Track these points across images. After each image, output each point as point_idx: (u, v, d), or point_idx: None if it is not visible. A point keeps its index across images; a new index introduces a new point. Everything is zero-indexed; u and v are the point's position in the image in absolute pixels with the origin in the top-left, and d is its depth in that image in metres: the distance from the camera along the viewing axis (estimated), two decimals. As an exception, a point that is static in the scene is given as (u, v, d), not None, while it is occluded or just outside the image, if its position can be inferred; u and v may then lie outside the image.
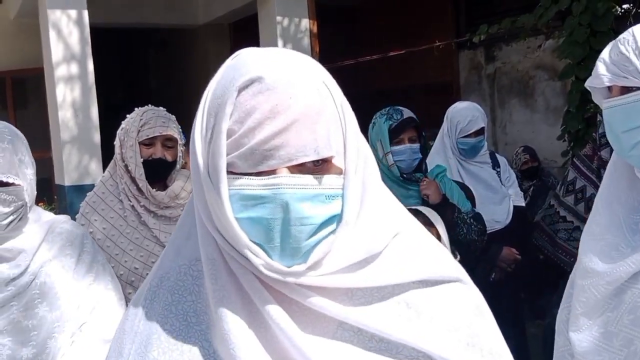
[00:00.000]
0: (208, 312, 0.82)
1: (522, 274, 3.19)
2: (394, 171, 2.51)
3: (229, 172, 0.75)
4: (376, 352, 0.80)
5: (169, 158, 2.24)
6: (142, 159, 2.19)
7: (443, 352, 0.80)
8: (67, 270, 1.54)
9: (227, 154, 0.75)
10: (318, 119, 0.76)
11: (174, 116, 2.34)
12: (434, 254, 0.87)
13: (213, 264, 0.81)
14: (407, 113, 2.58)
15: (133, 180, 2.22)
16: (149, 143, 2.21)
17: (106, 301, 1.58)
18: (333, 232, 0.78)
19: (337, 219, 0.78)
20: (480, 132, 3.14)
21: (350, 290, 0.81)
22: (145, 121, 2.22)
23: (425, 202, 2.51)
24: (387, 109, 2.61)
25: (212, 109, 0.78)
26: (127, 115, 2.31)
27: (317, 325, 0.79)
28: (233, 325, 0.77)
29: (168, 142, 2.24)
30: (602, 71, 1.15)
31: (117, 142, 2.27)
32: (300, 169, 0.76)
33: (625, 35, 1.14)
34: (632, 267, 1.08)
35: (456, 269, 0.87)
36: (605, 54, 1.17)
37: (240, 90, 0.76)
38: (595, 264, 1.13)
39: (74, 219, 2.30)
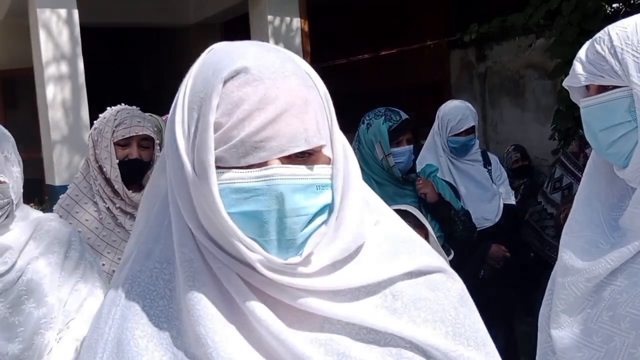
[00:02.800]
0: (180, 316, 0.80)
1: (512, 272, 3.21)
2: (395, 172, 2.52)
3: (217, 167, 0.73)
4: (365, 342, 0.80)
5: (145, 158, 2.20)
6: (117, 160, 2.14)
7: (431, 341, 0.80)
8: (54, 267, 1.54)
9: (215, 148, 0.73)
10: (306, 109, 0.75)
11: (148, 114, 2.29)
12: (415, 244, 0.88)
13: (190, 265, 0.79)
14: (403, 114, 2.60)
15: (108, 181, 2.16)
16: (124, 143, 2.15)
17: (93, 298, 1.58)
18: (325, 222, 0.78)
19: (327, 208, 0.79)
20: (470, 130, 3.16)
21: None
22: (120, 121, 2.15)
23: (421, 202, 2.53)
24: (383, 109, 2.61)
25: (194, 103, 0.76)
26: (100, 115, 2.24)
27: (303, 321, 0.79)
28: (210, 328, 0.75)
29: (144, 141, 2.19)
30: (579, 70, 1.16)
31: (89, 143, 2.20)
32: (290, 159, 0.75)
33: (601, 34, 1.14)
34: (610, 264, 1.09)
35: (438, 259, 0.88)
36: (582, 53, 1.17)
37: (225, 82, 0.74)
38: (575, 261, 1.14)
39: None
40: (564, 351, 1.12)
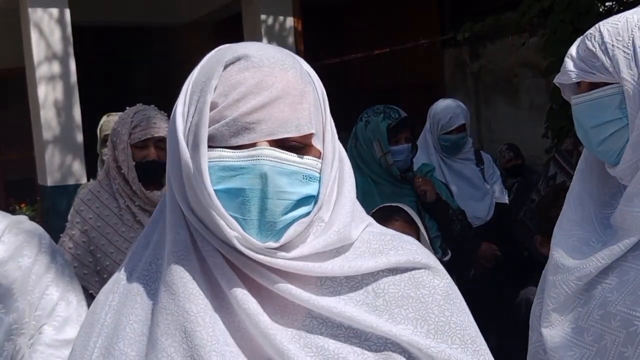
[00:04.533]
0: (167, 296, 0.81)
1: (505, 270, 3.21)
2: (393, 171, 2.51)
3: (209, 146, 0.77)
4: (344, 339, 0.80)
5: (163, 159, 2.20)
6: (134, 162, 2.18)
7: (411, 339, 0.80)
8: (25, 271, 1.48)
9: (209, 126, 0.76)
10: (300, 100, 0.79)
11: (165, 114, 2.31)
12: (404, 242, 0.88)
13: (184, 245, 0.81)
14: (402, 112, 2.59)
15: (127, 181, 2.20)
16: (141, 145, 2.19)
17: (65, 302, 1.52)
18: (308, 213, 0.80)
19: (312, 200, 0.81)
20: (461, 128, 3.17)
21: (320, 279, 0.82)
22: (136, 123, 2.19)
23: (419, 201, 2.53)
24: (382, 107, 2.60)
25: (197, 86, 0.80)
26: (118, 115, 2.28)
27: (285, 313, 0.80)
28: (202, 307, 0.77)
29: (160, 142, 2.21)
30: (570, 67, 1.15)
31: (109, 143, 2.25)
32: (280, 146, 0.77)
33: (592, 31, 1.14)
34: (601, 263, 1.08)
35: (425, 256, 0.88)
36: (573, 50, 1.17)
37: (226, 66, 0.78)
38: (566, 260, 1.13)
39: (56, 219, 2.29)
40: (554, 350, 1.12)
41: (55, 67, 5.32)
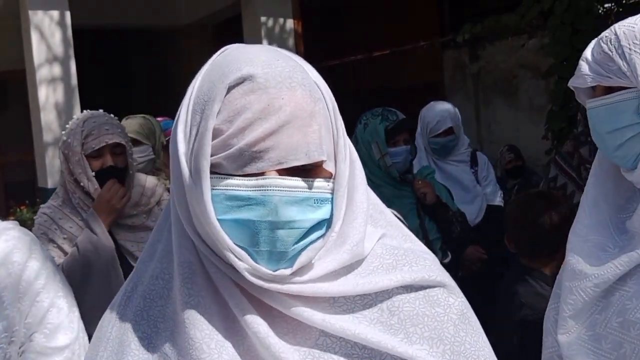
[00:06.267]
0: (175, 317, 0.79)
1: (499, 272, 3.19)
2: (392, 173, 2.51)
3: (214, 172, 0.73)
4: (359, 359, 0.78)
5: (120, 165, 2.13)
6: (93, 173, 2.07)
7: None
8: (14, 279, 1.43)
9: (213, 154, 0.72)
10: (310, 122, 0.74)
11: (115, 118, 2.21)
12: (418, 257, 0.85)
13: (190, 267, 0.78)
14: (400, 114, 2.60)
15: (87, 194, 2.10)
16: (96, 155, 2.08)
17: (56, 309, 1.48)
18: (321, 237, 0.77)
19: (325, 223, 0.77)
20: (449, 131, 3.21)
21: (333, 297, 0.79)
22: (88, 132, 2.07)
23: (419, 203, 2.53)
24: (380, 110, 2.61)
25: (198, 105, 0.75)
26: (66, 126, 2.16)
27: (298, 333, 0.78)
28: (207, 333, 0.75)
29: (116, 148, 2.11)
30: (586, 71, 1.13)
31: (60, 157, 2.13)
32: (289, 171, 0.73)
33: (607, 33, 1.12)
34: (619, 270, 1.06)
35: (440, 273, 0.85)
36: (587, 53, 1.15)
37: (230, 89, 0.73)
38: (582, 266, 1.12)
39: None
40: (571, 357, 1.10)
41: (56, 70, 5.31)
